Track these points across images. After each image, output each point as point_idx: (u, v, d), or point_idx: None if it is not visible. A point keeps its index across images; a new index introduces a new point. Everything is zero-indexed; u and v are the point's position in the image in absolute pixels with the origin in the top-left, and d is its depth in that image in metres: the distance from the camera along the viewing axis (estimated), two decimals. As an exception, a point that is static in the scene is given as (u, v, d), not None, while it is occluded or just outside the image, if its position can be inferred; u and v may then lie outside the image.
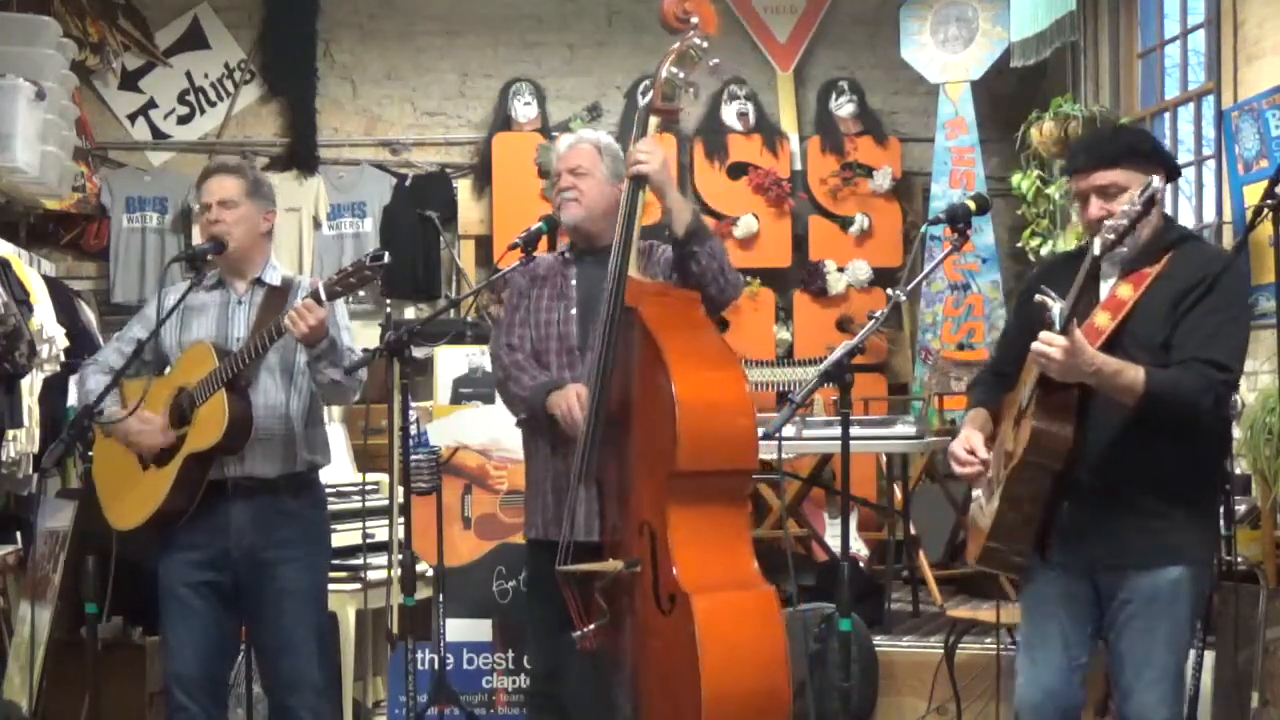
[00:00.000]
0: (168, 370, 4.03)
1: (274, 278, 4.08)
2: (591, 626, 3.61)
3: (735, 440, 3.49)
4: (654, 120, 3.71)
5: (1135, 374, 3.14)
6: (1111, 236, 3.05)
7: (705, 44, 3.65)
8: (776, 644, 3.45)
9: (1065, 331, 3.06)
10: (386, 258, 3.72)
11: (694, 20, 3.65)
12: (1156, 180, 3.11)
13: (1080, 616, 3.38)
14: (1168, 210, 7.04)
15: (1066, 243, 6.92)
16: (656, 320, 3.56)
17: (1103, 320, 3.25)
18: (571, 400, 3.75)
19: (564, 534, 3.72)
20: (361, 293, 4.00)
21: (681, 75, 3.65)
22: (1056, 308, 3.08)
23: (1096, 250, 3.07)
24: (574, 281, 3.96)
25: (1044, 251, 7.24)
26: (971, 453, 3.41)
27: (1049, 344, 3.08)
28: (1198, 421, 3.24)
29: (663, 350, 3.47)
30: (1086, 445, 3.24)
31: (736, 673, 3.37)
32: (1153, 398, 3.15)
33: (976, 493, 3.51)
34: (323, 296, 3.73)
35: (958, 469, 3.44)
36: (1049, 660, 3.40)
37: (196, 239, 4.82)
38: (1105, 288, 3.33)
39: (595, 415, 3.64)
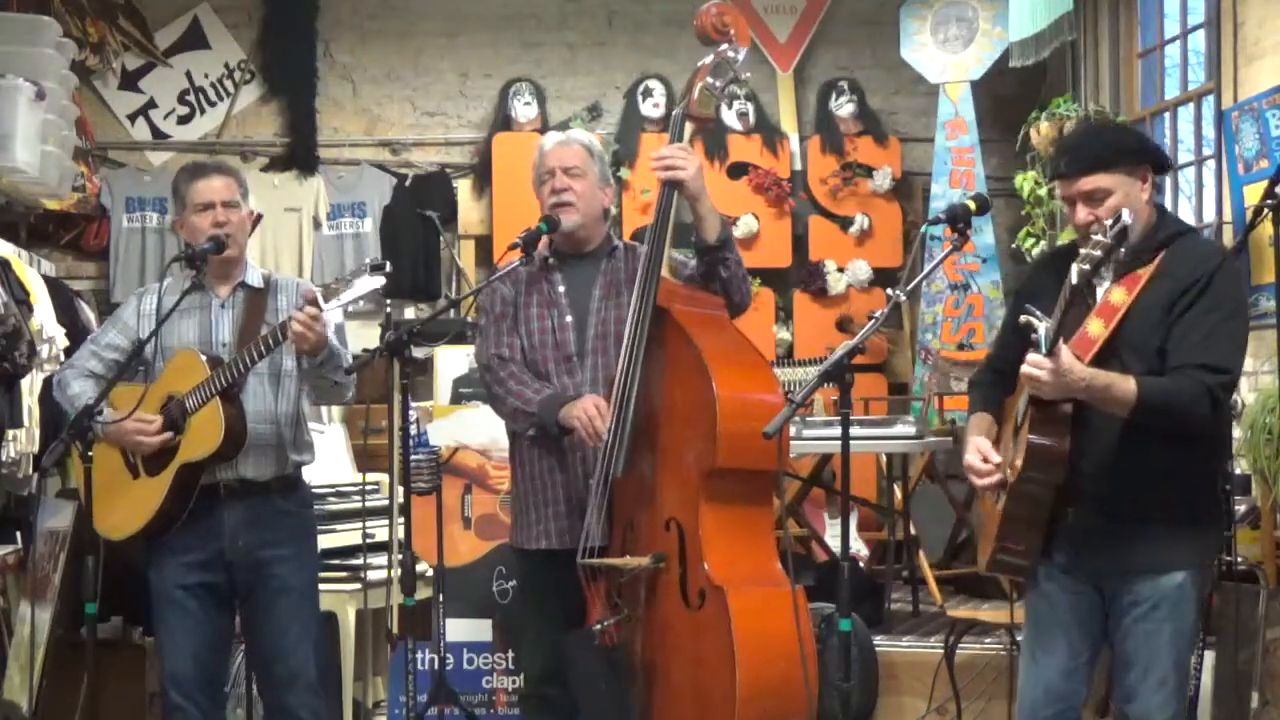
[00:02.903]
0: (153, 376, 3.98)
1: (256, 279, 4.06)
2: (613, 620, 3.63)
3: (770, 440, 3.49)
4: (689, 127, 3.77)
5: (1127, 387, 3.13)
6: (1087, 267, 3.00)
7: (739, 57, 3.75)
8: (806, 639, 3.50)
9: (1052, 353, 3.05)
10: (388, 267, 3.71)
11: (732, 33, 3.75)
12: (1126, 215, 3.04)
13: (1086, 620, 3.37)
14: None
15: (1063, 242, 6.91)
16: (690, 320, 3.62)
17: (1096, 329, 3.21)
18: (591, 411, 3.69)
19: (588, 535, 3.69)
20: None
21: (718, 85, 3.73)
22: (1042, 328, 3.07)
23: (1074, 280, 3.01)
24: (562, 288, 3.92)
25: (1037, 252, 7.23)
26: (986, 460, 3.36)
27: (1037, 367, 3.08)
28: (1198, 429, 3.22)
29: (700, 350, 3.53)
30: (1088, 454, 3.23)
31: (769, 665, 3.42)
32: (1147, 409, 3.13)
33: (987, 499, 3.50)
34: (323, 305, 3.70)
35: (980, 481, 3.37)
36: (1052, 663, 3.40)
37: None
38: (1099, 292, 3.29)
39: (624, 418, 3.63)
